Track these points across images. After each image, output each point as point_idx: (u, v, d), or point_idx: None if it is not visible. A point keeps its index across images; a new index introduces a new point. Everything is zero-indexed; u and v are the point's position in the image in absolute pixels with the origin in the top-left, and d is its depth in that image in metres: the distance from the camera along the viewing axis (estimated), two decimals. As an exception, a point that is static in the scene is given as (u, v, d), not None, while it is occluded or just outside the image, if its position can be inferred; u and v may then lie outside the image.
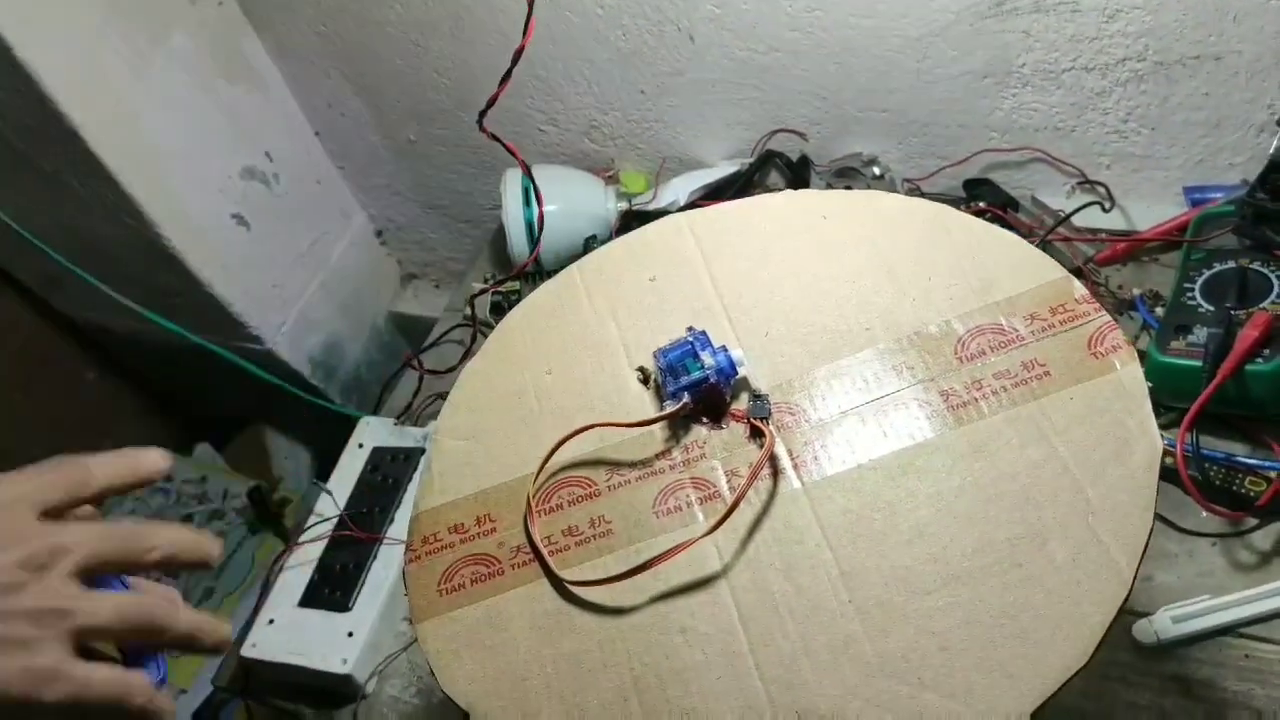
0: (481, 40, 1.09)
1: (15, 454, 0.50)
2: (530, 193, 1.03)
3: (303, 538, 0.87)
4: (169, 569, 0.43)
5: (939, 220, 0.61)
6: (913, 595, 0.46)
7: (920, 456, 0.51)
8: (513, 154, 0.74)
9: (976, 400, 0.52)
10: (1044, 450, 0.49)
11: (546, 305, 0.65)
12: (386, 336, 1.50)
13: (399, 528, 0.86)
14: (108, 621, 0.38)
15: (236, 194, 1.18)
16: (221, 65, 1.14)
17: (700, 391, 0.55)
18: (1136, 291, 0.85)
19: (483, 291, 1.03)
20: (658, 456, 0.55)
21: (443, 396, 0.63)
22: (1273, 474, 0.68)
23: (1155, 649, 0.64)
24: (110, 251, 1.12)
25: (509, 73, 0.68)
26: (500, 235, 1.06)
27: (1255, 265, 0.76)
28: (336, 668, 0.77)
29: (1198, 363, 0.71)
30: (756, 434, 0.54)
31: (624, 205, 1.07)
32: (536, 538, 0.53)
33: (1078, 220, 0.92)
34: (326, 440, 1.07)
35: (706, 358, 0.55)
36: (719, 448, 0.55)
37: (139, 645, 0.43)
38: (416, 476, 0.89)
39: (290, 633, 0.80)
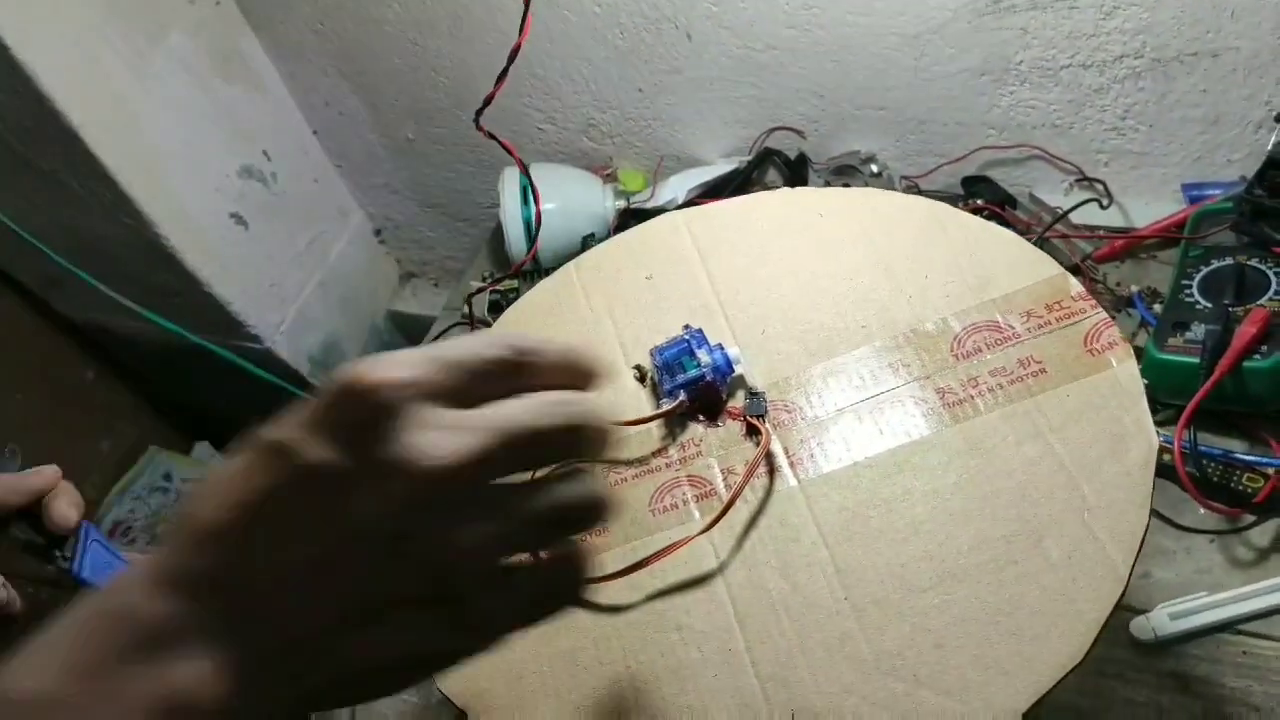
0: (480, 39, 1.09)
1: (13, 453, 0.50)
2: (528, 191, 1.03)
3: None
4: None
5: (936, 218, 0.61)
6: (908, 593, 0.46)
7: (916, 454, 0.51)
8: (509, 152, 0.74)
9: (973, 398, 0.52)
10: (1040, 447, 0.49)
11: (543, 303, 0.65)
12: (385, 335, 1.50)
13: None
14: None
15: (234, 193, 1.18)
16: (219, 64, 1.14)
17: (696, 389, 0.55)
18: (1134, 288, 0.85)
19: (480, 290, 1.03)
20: (654, 454, 0.55)
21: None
22: (1270, 470, 0.68)
23: (1153, 646, 0.64)
24: (109, 251, 1.12)
25: (505, 71, 0.68)
26: (499, 234, 1.06)
27: (1253, 262, 0.76)
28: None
29: (1195, 359, 0.70)
30: (753, 432, 0.54)
31: (622, 203, 1.07)
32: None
33: (1076, 217, 0.92)
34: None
35: (703, 356, 0.55)
36: (715, 446, 0.55)
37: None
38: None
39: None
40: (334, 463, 0.28)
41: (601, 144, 1.17)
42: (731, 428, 0.55)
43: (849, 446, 0.52)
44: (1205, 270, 0.78)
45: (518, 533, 0.31)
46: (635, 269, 0.65)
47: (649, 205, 1.05)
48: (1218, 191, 0.88)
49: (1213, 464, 0.69)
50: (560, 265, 0.67)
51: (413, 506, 0.29)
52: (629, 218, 1.05)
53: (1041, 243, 0.88)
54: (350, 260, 1.41)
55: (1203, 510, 0.69)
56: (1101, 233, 0.92)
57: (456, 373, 0.31)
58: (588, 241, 1.03)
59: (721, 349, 0.56)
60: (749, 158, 1.07)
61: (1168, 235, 0.88)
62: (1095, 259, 0.89)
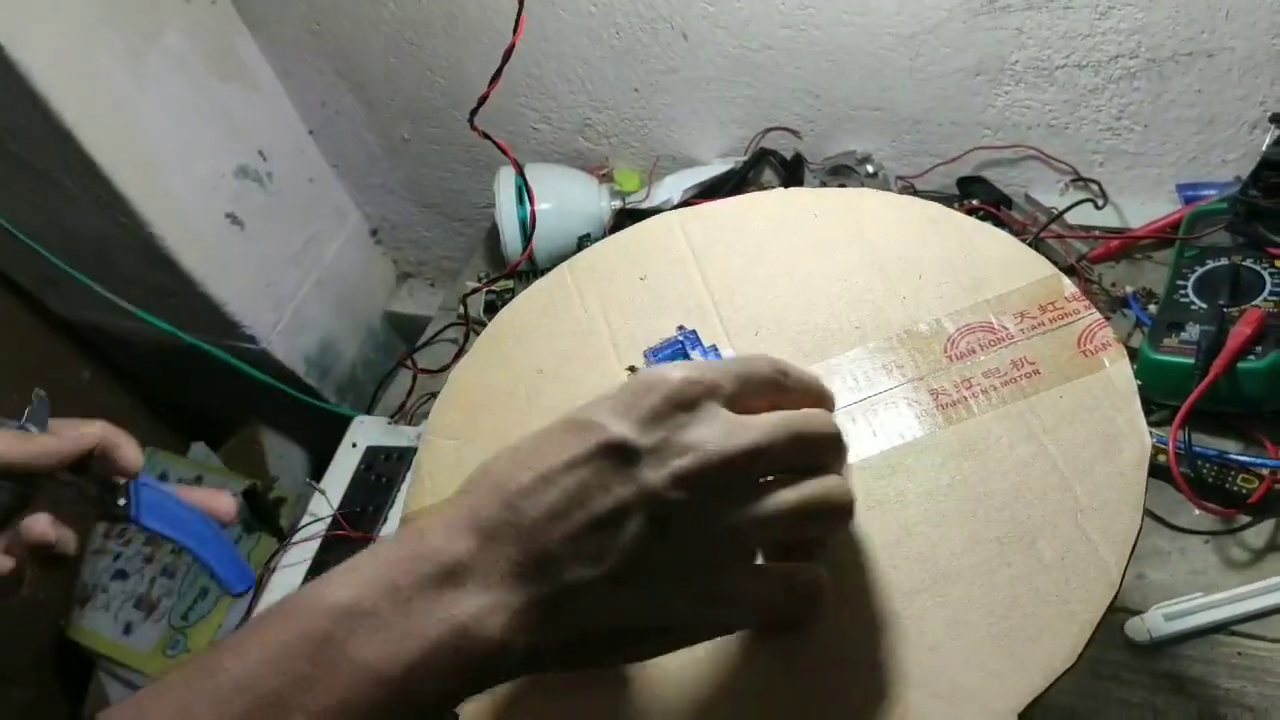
0: (476, 38, 1.09)
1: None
2: (523, 191, 1.03)
3: (296, 538, 0.87)
4: None
5: (930, 218, 0.61)
6: (901, 595, 0.46)
7: (909, 455, 0.51)
8: (504, 152, 0.74)
9: (966, 399, 0.52)
10: (1033, 448, 0.49)
11: (538, 304, 0.65)
12: (382, 336, 1.49)
13: (392, 527, 0.86)
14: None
15: (230, 193, 1.18)
16: (215, 63, 1.14)
17: (690, 391, 0.55)
18: (1129, 289, 0.85)
19: (475, 290, 1.03)
20: (648, 456, 0.55)
21: (436, 396, 0.63)
22: (1265, 471, 0.68)
23: (1148, 647, 0.64)
24: (105, 251, 1.12)
25: (499, 71, 0.68)
26: (495, 234, 1.06)
27: (1248, 262, 0.76)
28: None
29: (1190, 360, 0.70)
30: (746, 433, 0.54)
31: (618, 204, 1.07)
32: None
33: (1071, 218, 0.92)
34: (321, 439, 1.07)
35: (696, 357, 0.55)
36: (709, 447, 0.55)
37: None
38: (409, 476, 0.88)
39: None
40: (633, 440, 0.34)
41: (597, 144, 1.17)
42: (725, 429, 0.55)
43: (843, 448, 0.52)
44: (1200, 271, 0.78)
45: (775, 519, 0.35)
46: (629, 269, 0.64)
47: (644, 205, 1.05)
48: (1213, 192, 0.88)
49: (1208, 465, 0.69)
50: (556, 265, 0.67)
51: (693, 483, 0.34)
52: (625, 218, 1.05)
53: (1037, 243, 0.88)
54: (346, 260, 1.41)
55: (1198, 511, 0.69)
56: (1097, 233, 0.92)
57: (740, 382, 0.37)
58: (583, 242, 1.03)
59: (715, 350, 0.56)
60: (745, 158, 1.07)
61: (1163, 236, 0.88)
62: (1090, 259, 0.89)
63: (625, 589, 0.34)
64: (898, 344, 0.55)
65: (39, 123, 0.96)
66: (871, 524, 0.49)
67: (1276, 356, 0.68)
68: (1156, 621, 0.64)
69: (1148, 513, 0.70)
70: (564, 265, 0.66)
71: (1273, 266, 0.74)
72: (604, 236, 0.99)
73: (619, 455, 0.34)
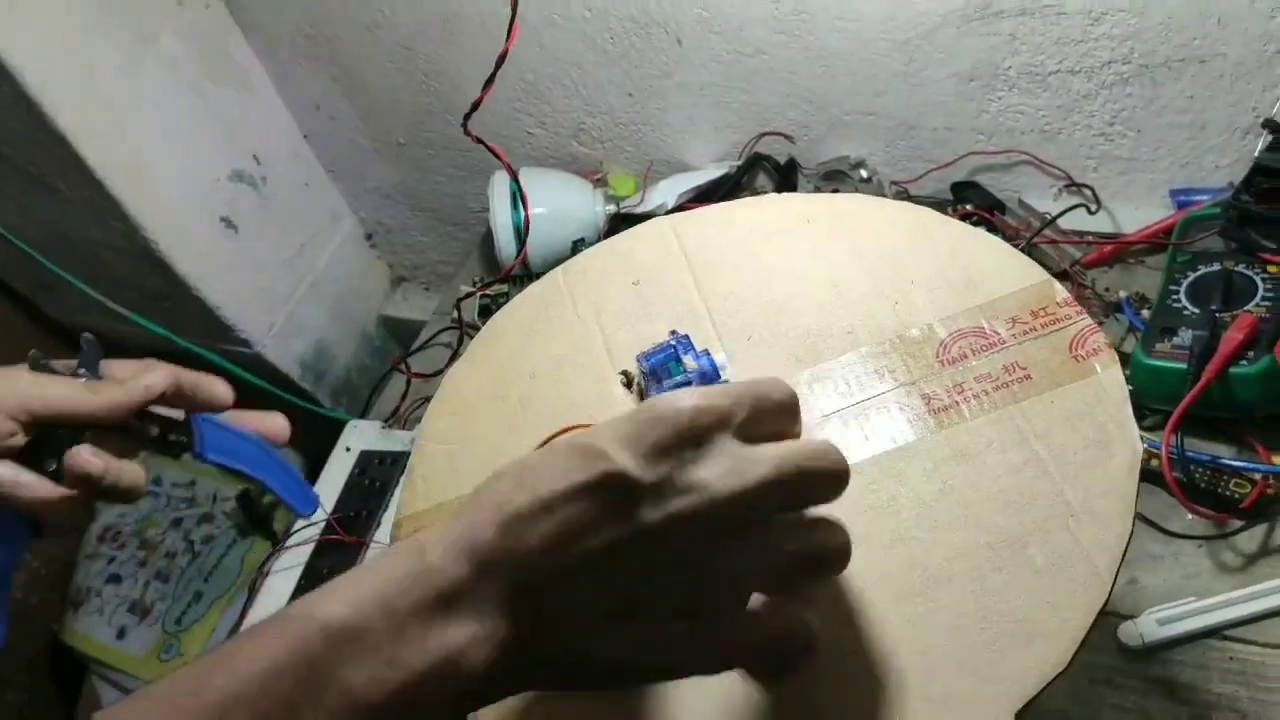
0: (470, 44, 1.09)
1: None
2: (517, 196, 1.03)
3: (290, 541, 0.87)
4: None
5: (922, 223, 0.61)
6: (893, 599, 0.46)
7: (901, 460, 0.51)
8: (497, 156, 0.74)
9: (958, 404, 0.52)
10: (1024, 453, 0.49)
11: (531, 309, 0.65)
12: (376, 340, 1.49)
13: (385, 531, 0.86)
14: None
15: (225, 197, 1.18)
16: (209, 67, 1.14)
17: (683, 395, 0.55)
18: (1122, 294, 0.85)
19: (470, 294, 1.03)
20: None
21: (430, 400, 0.63)
22: (1257, 476, 0.68)
23: (1140, 651, 0.64)
24: (99, 255, 1.12)
25: (493, 76, 0.68)
26: (490, 238, 1.06)
27: (1240, 268, 0.76)
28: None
29: (1183, 365, 0.71)
30: (739, 438, 0.54)
31: (612, 208, 1.07)
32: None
33: (1064, 223, 0.92)
34: (315, 444, 1.07)
35: (689, 362, 0.55)
36: (702, 451, 0.55)
37: None
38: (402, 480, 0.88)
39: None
40: (639, 475, 0.33)
41: (591, 149, 1.17)
42: (718, 434, 0.55)
43: (835, 452, 0.52)
44: (1193, 276, 0.78)
45: (774, 566, 0.35)
46: (623, 274, 0.65)
47: (639, 210, 1.05)
48: (1205, 197, 0.89)
49: (1200, 469, 0.69)
50: (550, 270, 0.67)
51: (692, 524, 0.33)
52: (619, 222, 1.05)
53: (1030, 248, 0.89)
54: (341, 264, 1.40)
55: (1190, 516, 0.69)
56: (1090, 238, 0.92)
57: (754, 409, 0.35)
58: (578, 246, 1.04)
59: (708, 355, 0.56)
60: (739, 163, 1.07)
61: (1155, 241, 0.88)
62: (1083, 264, 0.90)
63: (614, 626, 0.34)
64: (890, 349, 0.55)
65: (33, 127, 0.96)
66: (863, 529, 0.49)
67: (1269, 361, 0.68)
68: (1149, 626, 0.64)
69: (1140, 517, 0.70)
70: (557, 270, 0.66)
71: (1265, 272, 0.75)
72: (598, 241, 0.99)
73: (619, 490, 0.33)
